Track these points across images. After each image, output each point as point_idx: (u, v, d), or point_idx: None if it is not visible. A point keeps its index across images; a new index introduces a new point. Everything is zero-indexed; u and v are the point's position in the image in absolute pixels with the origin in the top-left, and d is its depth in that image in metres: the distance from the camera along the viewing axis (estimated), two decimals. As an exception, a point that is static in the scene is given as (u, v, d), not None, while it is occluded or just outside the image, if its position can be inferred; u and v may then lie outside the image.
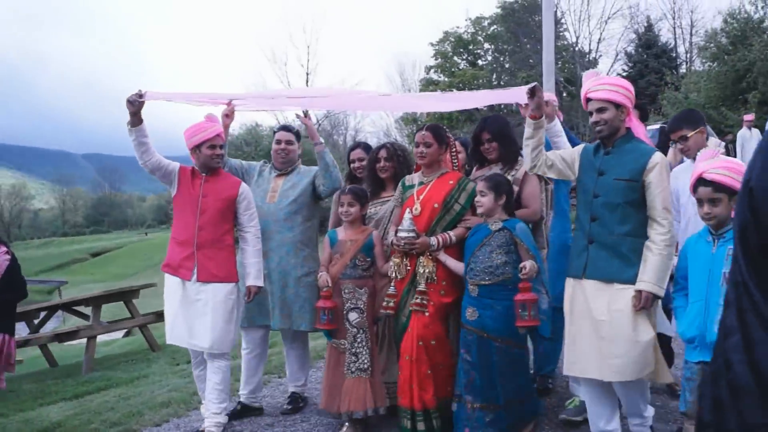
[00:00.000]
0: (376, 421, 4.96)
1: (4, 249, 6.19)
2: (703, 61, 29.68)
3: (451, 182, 4.87)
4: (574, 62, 36.80)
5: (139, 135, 5.02)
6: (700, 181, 3.69)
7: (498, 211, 4.48)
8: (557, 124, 4.81)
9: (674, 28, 39.03)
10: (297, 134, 5.91)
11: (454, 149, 5.08)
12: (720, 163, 3.67)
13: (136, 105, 4.92)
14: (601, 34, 40.84)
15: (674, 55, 37.86)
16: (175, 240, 5.16)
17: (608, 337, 3.87)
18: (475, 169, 5.25)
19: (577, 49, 39.83)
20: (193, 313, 5.00)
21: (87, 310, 11.39)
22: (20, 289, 6.24)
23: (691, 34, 38.45)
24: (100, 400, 7.16)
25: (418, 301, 4.67)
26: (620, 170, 3.95)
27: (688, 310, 3.78)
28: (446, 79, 41.63)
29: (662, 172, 3.88)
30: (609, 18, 40.41)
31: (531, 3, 39.15)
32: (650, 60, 34.56)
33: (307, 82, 43.50)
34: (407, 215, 4.78)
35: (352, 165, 5.85)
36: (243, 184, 5.31)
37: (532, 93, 4.20)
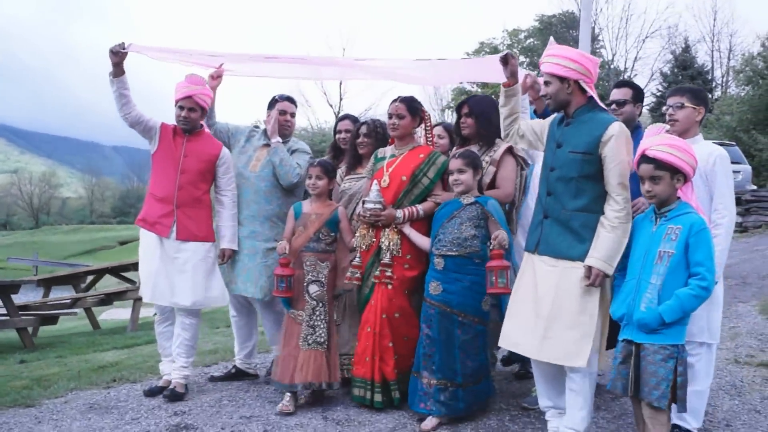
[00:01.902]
0: (326, 394, 5.02)
1: None
2: (738, 84, 29.81)
3: (422, 156, 4.89)
4: (608, 79, 36.98)
5: (120, 86, 5.05)
6: (643, 158, 3.55)
7: (474, 186, 4.53)
8: (525, 100, 4.74)
9: (712, 51, 39.29)
10: (296, 106, 5.88)
11: (428, 123, 5.10)
12: (664, 140, 3.53)
13: (119, 55, 4.99)
14: (637, 52, 41.31)
15: (710, 77, 37.98)
16: (154, 196, 5.17)
17: (549, 316, 3.77)
18: (456, 147, 5.22)
19: (612, 66, 40.06)
20: (173, 271, 5.06)
21: (134, 276, 11.94)
22: None
23: (729, 59, 38.69)
24: (149, 349, 7.61)
25: (387, 273, 4.71)
26: (576, 142, 3.80)
27: (621, 288, 3.65)
28: (479, 90, 41.92)
29: (619, 145, 3.67)
30: (647, 37, 40.82)
31: (569, 18, 39.47)
32: (685, 81, 34.63)
33: (340, 85, 43.82)
34: (374, 186, 4.82)
35: (338, 135, 5.83)
36: (224, 149, 5.37)
37: (505, 61, 4.19)
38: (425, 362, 4.46)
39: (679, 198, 3.52)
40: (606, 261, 3.62)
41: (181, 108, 5.14)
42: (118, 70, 5.03)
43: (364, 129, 5.41)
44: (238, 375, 5.74)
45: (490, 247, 4.31)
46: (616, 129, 3.69)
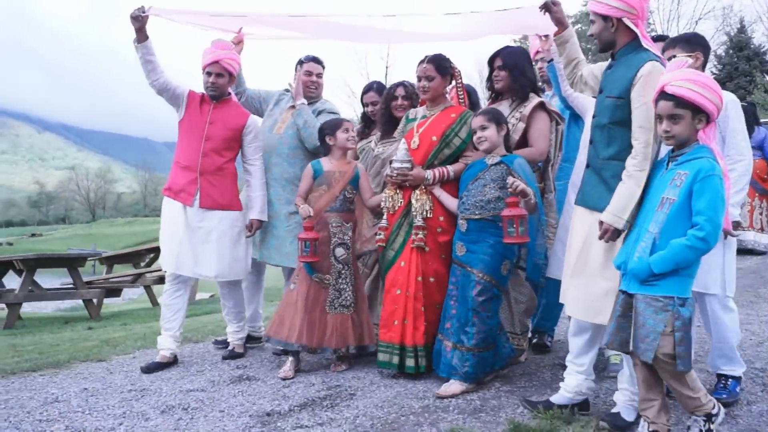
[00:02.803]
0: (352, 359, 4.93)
1: None
2: (797, 64, 29.12)
3: (453, 115, 4.64)
4: (660, 63, 36.27)
5: (145, 52, 4.97)
6: (662, 95, 3.17)
7: (499, 143, 4.29)
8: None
9: (769, 31, 38.25)
10: (324, 67, 5.68)
11: (459, 81, 4.82)
12: (686, 75, 3.14)
13: (140, 20, 4.87)
14: (690, 35, 40.23)
15: (767, 58, 37.08)
16: (179, 164, 5.10)
17: (575, 269, 3.64)
18: (487, 102, 5.00)
19: (664, 49, 39.32)
20: (196, 241, 4.97)
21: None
22: None
23: (787, 38, 37.61)
24: (207, 318, 7.90)
25: (419, 236, 4.52)
26: (612, 86, 3.52)
27: (626, 236, 3.38)
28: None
29: (645, 86, 3.33)
30: (700, 18, 39.82)
31: (619, 1, 38.80)
32: (741, 63, 33.91)
33: (386, 76, 43.85)
34: (402, 145, 4.63)
35: (366, 108, 5.61)
36: (251, 117, 5.27)
37: (547, 8, 3.93)
38: (447, 324, 4.37)
39: (697, 141, 3.18)
40: (616, 214, 3.32)
41: (209, 74, 5.07)
42: (141, 36, 4.94)
43: (401, 91, 5.16)
44: (246, 340, 5.59)
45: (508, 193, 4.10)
46: (647, 69, 3.35)
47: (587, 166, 3.69)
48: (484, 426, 3.61)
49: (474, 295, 4.21)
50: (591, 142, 3.66)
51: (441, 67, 4.65)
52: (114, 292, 10.97)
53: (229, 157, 5.13)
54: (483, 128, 4.26)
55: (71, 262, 9.81)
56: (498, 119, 4.27)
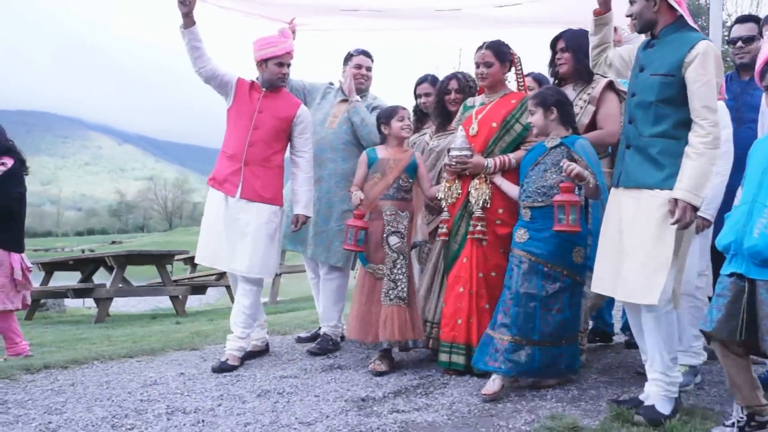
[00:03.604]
0: (404, 355, 4.79)
1: (2, 161, 5.70)
2: None
3: (514, 101, 4.46)
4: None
5: (191, 38, 4.78)
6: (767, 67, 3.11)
7: (552, 127, 4.03)
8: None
9: None
10: (372, 60, 5.56)
11: (519, 67, 4.61)
12: None
13: (187, 5, 4.70)
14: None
15: None
16: (225, 154, 4.94)
17: (624, 250, 3.45)
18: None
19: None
20: (234, 234, 4.78)
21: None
22: (3, 201, 5.60)
23: None
24: (293, 314, 8.01)
25: (478, 228, 4.33)
26: (658, 64, 3.43)
27: (730, 214, 3.18)
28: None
29: (704, 64, 3.26)
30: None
31: (694, 6, 37.93)
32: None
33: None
34: (460, 132, 4.43)
35: (418, 100, 5.43)
36: (303, 106, 5.06)
37: None
38: (501, 317, 4.01)
39: None
40: (692, 191, 3.21)
41: (281, 65, 4.91)
42: (188, 21, 4.75)
43: (454, 84, 4.95)
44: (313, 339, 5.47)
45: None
46: (703, 47, 3.29)
47: (627, 146, 3.57)
48: (584, 413, 3.54)
49: (543, 285, 3.93)
50: (630, 121, 3.56)
51: (500, 53, 4.47)
52: (199, 289, 11.20)
53: (276, 148, 4.93)
54: (531, 113, 4.09)
55: (159, 259, 10.08)
56: (544, 102, 4.02)
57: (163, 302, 13.65)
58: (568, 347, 4.03)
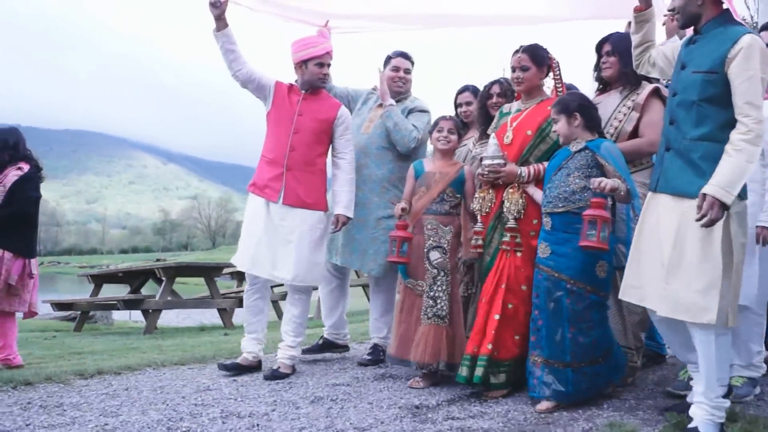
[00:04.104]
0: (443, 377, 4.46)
1: (18, 167, 5.74)
2: None
3: (550, 108, 4.16)
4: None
5: (225, 41, 4.73)
6: None
7: (577, 133, 3.87)
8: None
9: None
10: (413, 63, 5.39)
11: (557, 72, 4.41)
12: None
13: (218, 7, 4.64)
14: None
15: None
16: (265, 158, 4.83)
17: (669, 263, 3.21)
18: (595, 94, 4.59)
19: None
20: (277, 241, 4.66)
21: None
22: (19, 204, 5.63)
23: None
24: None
25: (507, 239, 4.14)
26: (700, 61, 3.24)
27: None
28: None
29: (748, 58, 3.08)
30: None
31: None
32: None
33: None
34: (492, 140, 4.29)
35: (458, 109, 5.22)
36: (343, 108, 4.95)
37: None
38: (534, 338, 3.89)
39: None
40: (724, 187, 2.99)
41: (321, 65, 4.81)
42: (220, 24, 4.71)
43: (497, 89, 4.81)
44: (326, 347, 5.33)
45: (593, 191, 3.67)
46: (746, 41, 3.10)
47: (667, 149, 3.35)
48: (642, 422, 3.47)
49: (568, 304, 3.73)
50: (671, 122, 3.36)
51: (537, 56, 4.30)
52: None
53: (318, 151, 4.81)
54: (554, 121, 3.94)
55: (208, 272, 10.19)
56: (566, 108, 3.87)
57: (209, 317, 13.77)
58: (604, 364, 3.84)
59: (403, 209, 4.47)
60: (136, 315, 12.92)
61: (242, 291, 11.87)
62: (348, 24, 5.29)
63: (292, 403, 3.99)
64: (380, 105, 5.19)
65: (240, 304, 10.91)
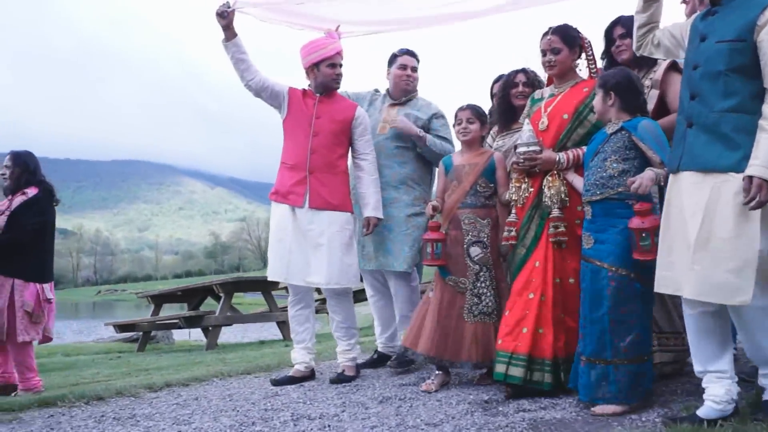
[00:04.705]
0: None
1: (23, 192, 5.73)
2: None
3: (586, 89, 4.03)
4: None
5: (235, 51, 4.72)
6: None
7: (612, 113, 3.63)
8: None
9: None
10: (418, 60, 5.28)
11: (590, 52, 4.20)
12: None
13: (225, 17, 4.63)
14: None
15: None
16: (285, 165, 4.79)
17: (697, 243, 2.99)
18: None
19: None
20: (307, 246, 4.62)
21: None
22: (15, 231, 5.60)
23: None
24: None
25: (556, 230, 3.90)
26: (724, 30, 3.08)
27: None
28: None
29: None
30: None
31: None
32: None
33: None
34: (527, 126, 4.05)
35: (494, 99, 5.06)
36: (360, 108, 4.90)
37: None
38: (581, 334, 3.64)
39: None
40: None
41: (333, 65, 4.75)
42: (229, 34, 4.69)
43: (522, 77, 4.65)
44: (380, 360, 5.21)
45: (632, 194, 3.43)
46: None
47: (689, 125, 3.15)
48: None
49: (608, 295, 3.47)
50: (693, 96, 3.16)
51: (568, 37, 4.07)
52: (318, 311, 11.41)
53: (339, 153, 4.77)
54: (596, 93, 3.72)
55: (266, 285, 10.21)
56: (604, 84, 3.64)
57: (267, 333, 13.88)
58: (651, 362, 3.57)
59: (434, 208, 4.35)
60: (196, 334, 13.10)
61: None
62: (359, 28, 5.19)
63: (361, 403, 4.00)
64: (393, 104, 5.12)
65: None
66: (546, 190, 3.96)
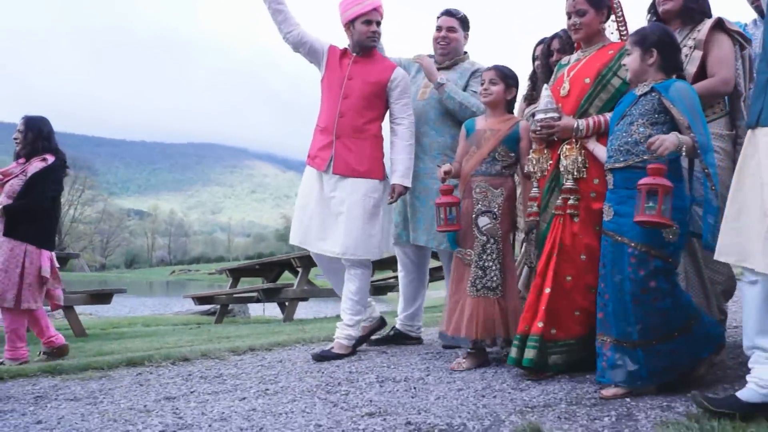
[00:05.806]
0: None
1: (42, 158, 5.69)
2: None
3: (611, 52, 3.73)
4: None
5: (271, 1, 4.49)
6: None
7: (650, 73, 3.29)
8: None
9: None
10: (463, 20, 4.89)
11: (619, 13, 3.87)
12: None
13: None
14: None
15: None
16: (318, 127, 4.63)
17: None
18: None
19: None
20: (328, 214, 4.47)
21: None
22: (34, 197, 5.58)
23: None
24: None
25: (567, 202, 3.64)
26: None
27: None
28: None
29: None
30: None
31: None
32: None
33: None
34: (545, 92, 3.77)
35: (536, 63, 4.78)
36: (399, 69, 4.59)
37: None
38: (601, 314, 3.37)
39: None
40: None
41: (368, 22, 4.50)
42: None
43: (556, 44, 4.43)
44: (397, 338, 5.00)
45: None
46: None
47: None
48: None
49: (630, 272, 3.19)
50: None
51: None
52: (380, 290, 11.45)
53: (369, 117, 4.52)
54: (627, 53, 3.38)
55: (305, 262, 10.26)
56: (643, 41, 3.28)
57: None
58: (684, 339, 3.22)
59: (446, 172, 4.07)
60: (270, 310, 13.27)
61: (376, 281, 12.08)
62: None
63: (446, 369, 4.01)
64: (438, 69, 4.76)
65: (376, 291, 11.06)
66: (562, 158, 3.70)
